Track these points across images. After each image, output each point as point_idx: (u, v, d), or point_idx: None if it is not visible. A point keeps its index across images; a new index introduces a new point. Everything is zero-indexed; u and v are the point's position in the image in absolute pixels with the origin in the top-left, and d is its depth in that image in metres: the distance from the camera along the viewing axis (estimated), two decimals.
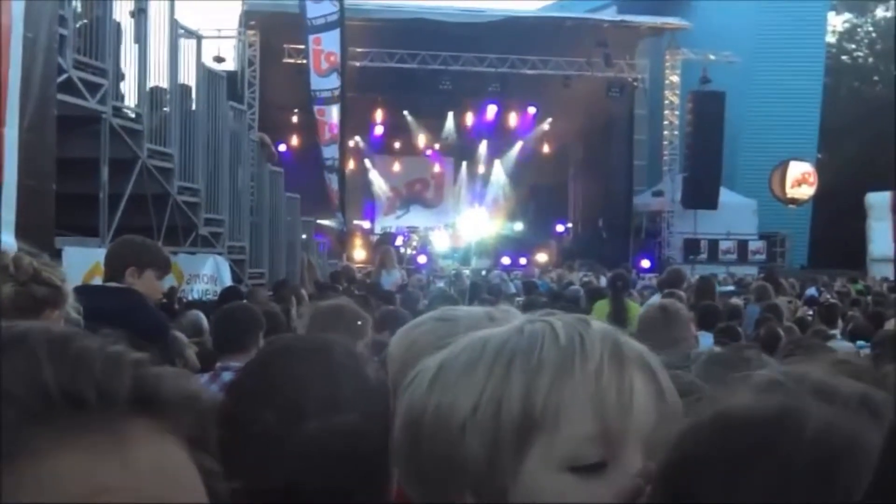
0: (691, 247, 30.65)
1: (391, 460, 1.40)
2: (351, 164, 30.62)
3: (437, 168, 37.54)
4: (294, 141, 30.24)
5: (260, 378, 1.43)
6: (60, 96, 8.37)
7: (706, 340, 7.11)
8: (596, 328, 1.16)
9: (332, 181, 22.05)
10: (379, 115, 32.90)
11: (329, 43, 20.29)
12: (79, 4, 9.93)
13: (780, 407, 0.93)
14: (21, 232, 7.13)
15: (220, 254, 12.95)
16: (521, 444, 1.10)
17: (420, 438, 1.15)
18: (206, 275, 11.94)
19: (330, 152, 21.62)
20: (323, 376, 1.41)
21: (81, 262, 8.14)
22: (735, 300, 11.51)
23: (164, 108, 11.96)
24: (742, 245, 31.58)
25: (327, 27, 20.17)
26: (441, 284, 16.52)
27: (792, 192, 32.91)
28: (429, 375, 1.17)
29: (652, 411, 1.11)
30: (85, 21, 9.96)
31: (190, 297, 10.51)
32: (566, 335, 1.13)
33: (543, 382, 1.10)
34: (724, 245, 31.35)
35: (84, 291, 5.12)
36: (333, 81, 20.50)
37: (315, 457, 1.36)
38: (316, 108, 21.28)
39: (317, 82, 20.69)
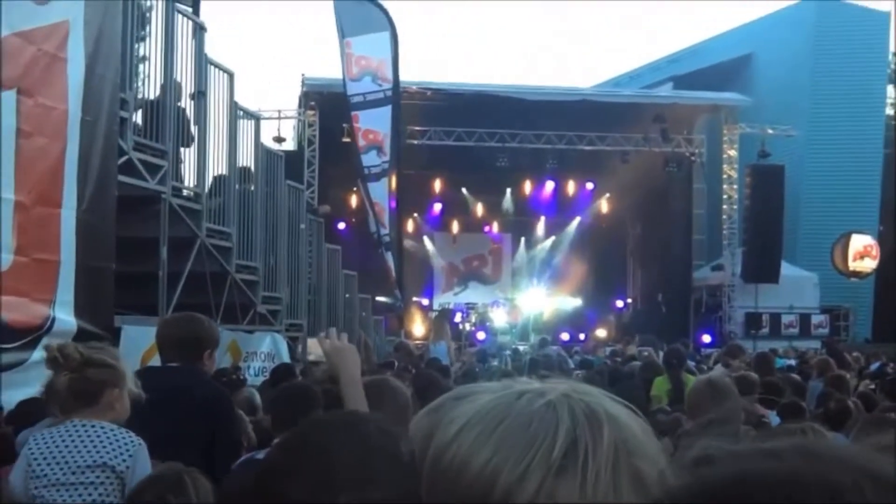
0: (753, 321, 30.12)
1: None
2: (409, 241, 30.73)
3: (494, 244, 37.57)
4: (353, 219, 30.50)
5: (291, 453, 1.43)
6: (121, 177, 8.55)
7: (775, 420, 6.96)
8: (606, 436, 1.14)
9: (388, 258, 22.11)
10: (437, 191, 33.02)
11: (367, 121, 20.36)
12: (140, 88, 10.17)
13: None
14: (81, 311, 7.25)
15: (277, 331, 13.03)
16: None
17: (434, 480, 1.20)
18: (263, 352, 11.98)
19: (383, 229, 21.68)
20: (355, 451, 1.40)
21: (141, 341, 8.10)
22: (794, 375, 11.25)
23: (223, 189, 12.14)
24: (804, 319, 31.02)
25: (365, 105, 20.30)
26: (495, 362, 16.41)
27: (854, 265, 32.42)
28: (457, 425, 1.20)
29: None
30: (146, 104, 10.19)
31: (246, 376, 10.52)
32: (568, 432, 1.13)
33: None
34: (786, 319, 30.83)
35: (153, 373, 5.08)
36: (373, 159, 20.55)
37: None
38: (363, 184, 21.45)
39: (362, 159, 20.85)
